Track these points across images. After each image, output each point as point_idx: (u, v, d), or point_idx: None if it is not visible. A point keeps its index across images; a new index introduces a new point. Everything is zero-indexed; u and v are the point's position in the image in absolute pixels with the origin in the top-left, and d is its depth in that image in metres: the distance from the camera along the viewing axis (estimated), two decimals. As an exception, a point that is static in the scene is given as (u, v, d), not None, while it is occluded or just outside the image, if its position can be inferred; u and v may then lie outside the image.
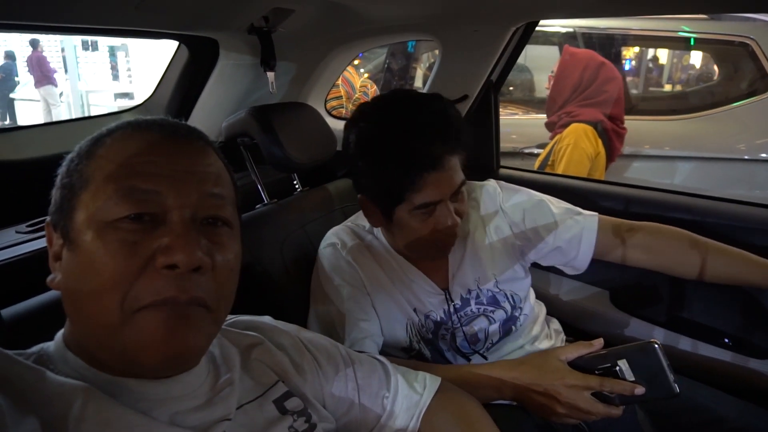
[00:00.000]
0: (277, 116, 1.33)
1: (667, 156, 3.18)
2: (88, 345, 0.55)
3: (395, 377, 0.80)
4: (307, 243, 1.23)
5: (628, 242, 1.12)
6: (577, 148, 2.53)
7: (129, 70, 12.09)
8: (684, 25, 3.25)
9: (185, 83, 1.47)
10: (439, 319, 1.09)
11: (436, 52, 1.68)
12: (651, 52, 4.84)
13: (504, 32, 1.49)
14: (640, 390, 0.81)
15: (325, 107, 1.87)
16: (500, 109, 1.80)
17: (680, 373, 0.85)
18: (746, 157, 3.02)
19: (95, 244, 0.52)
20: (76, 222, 0.54)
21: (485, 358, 1.11)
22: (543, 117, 2.98)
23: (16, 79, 9.99)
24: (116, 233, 0.52)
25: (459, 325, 1.09)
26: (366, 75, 4.00)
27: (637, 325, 1.44)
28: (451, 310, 1.09)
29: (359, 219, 1.16)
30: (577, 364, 0.88)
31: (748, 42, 2.97)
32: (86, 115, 8.88)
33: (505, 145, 1.94)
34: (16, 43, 10.01)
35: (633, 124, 2.87)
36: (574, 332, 1.30)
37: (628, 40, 3.68)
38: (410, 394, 0.79)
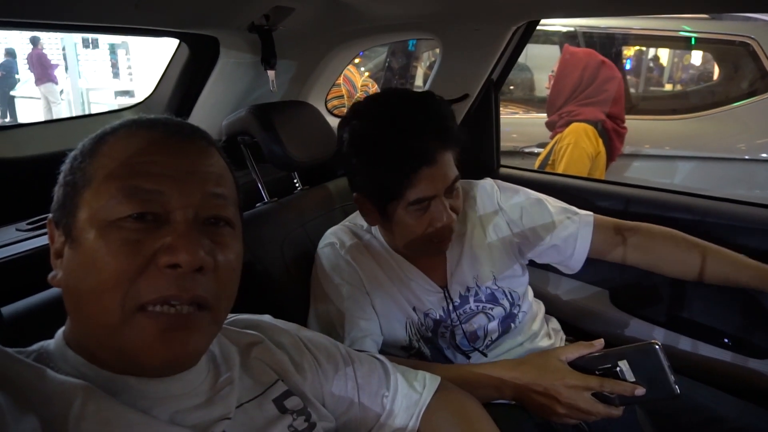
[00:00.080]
0: (277, 115, 1.33)
1: (668, 156, 3.18)
2: (88, 343, 0.55)
3: (395, 376, 0.80)
4: (308, 242, 1.23)
5: (622, 242, 1.13)
6: (578, 148, 2.53)
7: (129, 68, 12.09)
8: (685, 25, 3.25)
9: (186, 81, 1.47)
10: (438, 317, 1.09)
11: (437, 50, 1.68)
12: (652, 51, 4.84)
13: (505, 31, 1.49)
14: (640, 391, 0.81)
15: (326, 106, 1.87)
16: (501, 108, 1.80)
17: (680, 372, 0.85)
18: (746, 156, 3.02)
19: (97, 243, 0.52)
20: (79, 220, 0.54)
21: (485, 355, 1.11)
22: (543, 116, 2.98)
23: (17, 76, 9.99)
24: (119, 232, 0.52)
25: (458, 322, 1.10)
26: (367, 74, 4.00)
27: (637, 325, 1.44)
28: (450, 308, 1.09)
29: (357, 218, 1.16)
30: (577, 365, 0.88)
31: (748, 42, 2.97)
32: (87, 112, 8.88)
33: (505, 144, 1.94)
34: (16, 40, 10.00)
35: (633, 123, 2.87)
36: (574, 332, 1.30)
37: (628, 39, 3.67)
38: (410, 393, 0.79)
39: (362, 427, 0.77)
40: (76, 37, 10.24)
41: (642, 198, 1.50)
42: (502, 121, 1.81)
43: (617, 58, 3.43)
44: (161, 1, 1.04)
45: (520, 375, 0.90)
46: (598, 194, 1.56)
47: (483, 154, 1.79)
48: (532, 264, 1.21)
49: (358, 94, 2.46)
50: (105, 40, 11.59)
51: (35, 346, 0.58)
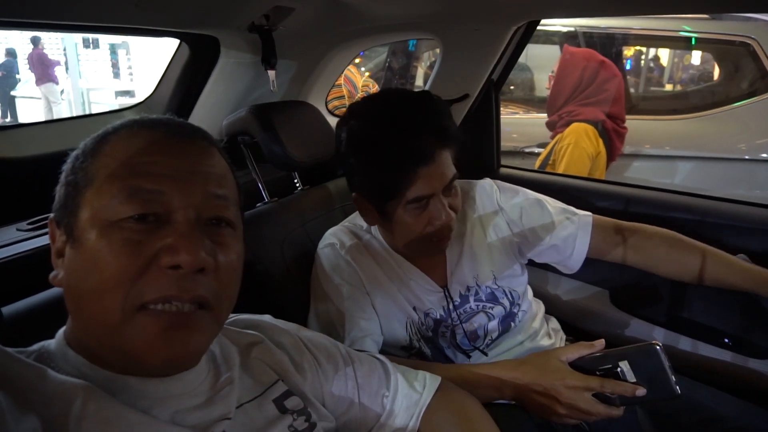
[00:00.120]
0: (277, 114, 1.33)
1: (668, 156, 3.18)
2: (89, 343, 0.55)
3: (395, 376, 0.80)
4: (308, 241, 1.23)
5: (620, 243, 1.14)
6: (578, 148, 2.53)
7: (130, 68, 12.09)
8: (685, 25, 3.24)
9: (186, 81, 1.47)
10: (438, 316, 1.09)
11: (437, 50, 1.68)
12: (652, 51, 4.84)
13: (505, 31, 1.49)
14: (641, 391, 0.81)
15: (327, 106, 1.87)
16: (501, 108, 1.80)
17: (680, 372, 0.85)
18: (747, 157, 3.02)
19: (99, 243, 0.52)
20: (81, 220, 0.54)
21: (485, 354, 1.12)
22: (544, 116, 2.98)
23: (17, 76, 9.99)
24: (120, 232, 0.52)
25: (459, 322, 1.10)
26: (367, 74, 4.00)
27: (637, 325, 1.44)
28: (451, 307, 1.10)
29: (357, 219, 1.16)
30: (577, 365, 0.88)
31: (749, 42, 2.96)
32: (87, 112, 8.88)
33: (505, 144, 1.94)
34: (17, 40, 10.01)
35: (633, 123, 2.87)
36: (574, 332, 1.30)
37: (629, 39, 3.67)
38: (410, 393, 0.79)
39: (362, 427, 0.77)
40: (77, 37, 10.24)
41: (642, 198, 1.50)
42: (502, 121, 1.81)
43: (617, 58, 3.43)
44: (161, 1, 1.04)
45: (520, 375, 0.90)
46: (598, 194, 1.56)
47: (483, 154, 1.79)
48: (532, 264, 1.21)
49: (358, 95, 2.46)
50: (105, 40, 11.58)
51: (36, 346, 0.58)
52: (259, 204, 1.37)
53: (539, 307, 1.23)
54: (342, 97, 2.33)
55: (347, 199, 1.42)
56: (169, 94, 1.49)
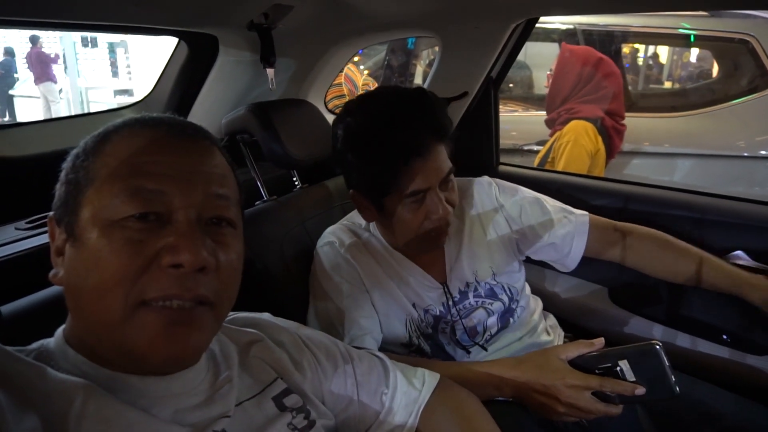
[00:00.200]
0: (276, 113, 1.33)
1: (667, 153, 3.18)
2: (89, 341, 0.55)
3: (394, 374, 0.80)
4: (307, 240, 1.23)
5: (614, 242, 1.17)
6: (577, 145, 2.53)
7: (128, 66, 12.05)
8: (684, 22, 3.24)
9: (185, 80, 1.46)
10: (438, 313, 1.10)
11: (436, 48, 1.68)
12: (651, 49, 4.84)
13: (504, 29, 1.49)
14: (640, 391, 0.81)
15: (326, 104, 1.87)
16: (500, 106, 1.80)
17: (679, 369, 0.85)
18: (746, 154, 3.03)
19: (100, 242, 0.52)
20: (82, 219, 0.54)
21: (485, 349, 1.12)
22: (543, 114, 2.97)
23: (16, 75, 9.96)
24: (122, 232, 0.52)
25: (458, 318, 1.10)
26: (366, 72, 3.99)
27: (636, 322, 1.44)
28: (450, 303, 1.10)
29: (355, 217, 1.17)
30: (577, 363, 0.88)
31: (748, 39, 2.96)
32: (86, 111, 8.86)
33: (504, 142, 1.94)
34: (15, 39, 9.98)
35: (633, 121, 2.86)
36: (573, 329, 1.30)
37: (628, 37, 3.67)
38: (409, 390, 0.79)
39: (361, 424, 0.77)
40: (75, 36, 10.23)
41: (641, 195, 1.50)
42: (501, 118, 1.81)
43: (616, 56, 3.43)
44: (160, -1, 1.04)
45: (520, 373, 0.90)
46: (597, 192, 1.56)
47: (482, 152, 1.78)
48: (530, 261, 1.22)
49: (359, 94, 2.45)
50: (104, 38, 11.56)
51: (35, 345, 0.58)
52: (258, 202, 1.37)
53: (537, 303, 1.24)
54: (343, 96, 2.32)
55: (346, 197, 1.41)
56: (168, 93, 1.49)
